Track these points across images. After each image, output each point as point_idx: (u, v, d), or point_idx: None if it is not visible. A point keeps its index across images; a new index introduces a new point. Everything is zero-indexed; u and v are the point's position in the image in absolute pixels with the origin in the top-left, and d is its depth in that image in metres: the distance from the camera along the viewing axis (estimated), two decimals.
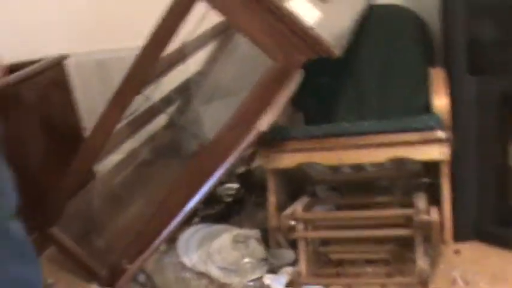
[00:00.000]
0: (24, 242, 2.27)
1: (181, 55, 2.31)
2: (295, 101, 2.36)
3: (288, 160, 2.22)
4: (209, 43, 2.61)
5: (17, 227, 2.24)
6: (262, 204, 2.63)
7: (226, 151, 1.76)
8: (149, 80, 2.05)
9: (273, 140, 2.20)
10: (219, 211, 2.71)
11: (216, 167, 1.76)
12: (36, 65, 2.80)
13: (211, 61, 2.74)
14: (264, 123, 1.66)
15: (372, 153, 2.13)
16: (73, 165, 2.24)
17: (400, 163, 2.23)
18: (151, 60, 1.95)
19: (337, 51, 1.75)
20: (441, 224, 2.14)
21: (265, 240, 2.40)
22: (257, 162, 2.80)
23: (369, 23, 2.56)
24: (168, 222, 1.95)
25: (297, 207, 2.21)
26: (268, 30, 1.77)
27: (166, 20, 1.88)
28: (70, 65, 3.15)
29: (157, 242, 2.00)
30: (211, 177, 1.78)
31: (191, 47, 2.39)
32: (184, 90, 2.72)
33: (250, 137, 1.65)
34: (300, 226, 2.19)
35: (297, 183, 2.49)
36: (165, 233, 1.96)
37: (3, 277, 2.22)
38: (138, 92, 2.05)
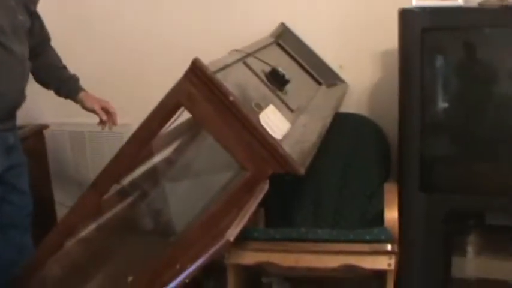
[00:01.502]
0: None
1: (156, 148, 2.46)
2: None
3: (248, 258, 2.37)
4: (181, 136, 2.77)
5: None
6: None
7: (194, 251, 1.90)
8: (129, 171, 2.19)
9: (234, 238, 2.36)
10: None
11: (185, 265, 1.90)
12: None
13: (179, 150, 2.89)
14: (233, 233, 1.81)
15: (325, 259, 2.31)
16: (45, 241, 2.33)
17: (351, 267, 2.41)
18: (133, 156, 2.09)
19: (303, 170, 1.92)
20: None
21: None
22: None
23: (334, 131, 2.74)
24: None
25: None
26: (240, 140, 1.90)
27: (151, 120, 2.00)
28: (47, 134, 3.28)
29: None
30: (179, 274, 1.91)
31: (165, 140, 2.55)
32: (151, 175, 2.85)
33: (219, 245, 1.80)
34: None
35: (255, 275, 2.64)
36: None
37: None
38: (117, 182, 2.20)
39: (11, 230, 2.40)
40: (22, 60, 2.34)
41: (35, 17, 2.46)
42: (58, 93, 2.58)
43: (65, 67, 2.59)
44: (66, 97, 2.58)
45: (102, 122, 2.57)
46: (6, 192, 2.35)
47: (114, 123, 2.57)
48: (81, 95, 2.55)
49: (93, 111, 2.55)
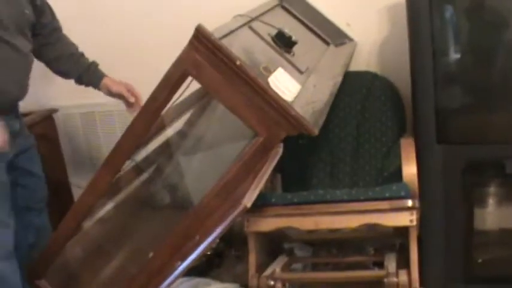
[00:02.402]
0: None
1: (168, 121, 2.44)
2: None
3: (268, 224, 2.35)
4: (191, 107, 2.75)
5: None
6: (241, 257, 2.75)
7: (212, 221, 1.89)
8: (140, 146, 2.17)
9: (253, 205, 2.34)
10: (200, 264, 2.83)
11: (205, 235, 1.88)
12: (27, 118, 2.85)
13: (191, 122, 2.87)
14: (250, 198, 1.79)
15: (346, 219, 2.28)
16: (63, 223, 2.33)
17: (372, 226, 2.38)
18: (143, 130, 2.07)
19: (317, 129, 1.89)
20: (410, 286, 2.28)
21: None
22: None
23: (345, 90, 2.72)
24: (154, 285, 2.04)
25: (276, 267, 2.34)
26: (250, 105, 1.87)
27: (159, 92, 1.97)
28: (57, 118, 3.27)
29: None
30: (199, 245, 1.90)
31: (176, 112, 2.53)
32: (165, 150, 2.83)
33: (237, 211, 1.78)
34: (279, 285, 2.32)
35: (275, 242, 2.63)
36: None
37: None
38: (129, 158, 2.18)
39: (27, 213, 2.41)
40: (25, 55, 2.31)
41: (44, 7, 2.43)
42: (79, 82, 2.55)
43: (82, 54, 2.54)
44: (87, 85, 2.54)
45: (130, 106, 2.52)
46: (19, 176, 2.36)
47: (141, 105, 2.51)
48: (105, 80, 2.51)
49: (119, 95, 2.50)
